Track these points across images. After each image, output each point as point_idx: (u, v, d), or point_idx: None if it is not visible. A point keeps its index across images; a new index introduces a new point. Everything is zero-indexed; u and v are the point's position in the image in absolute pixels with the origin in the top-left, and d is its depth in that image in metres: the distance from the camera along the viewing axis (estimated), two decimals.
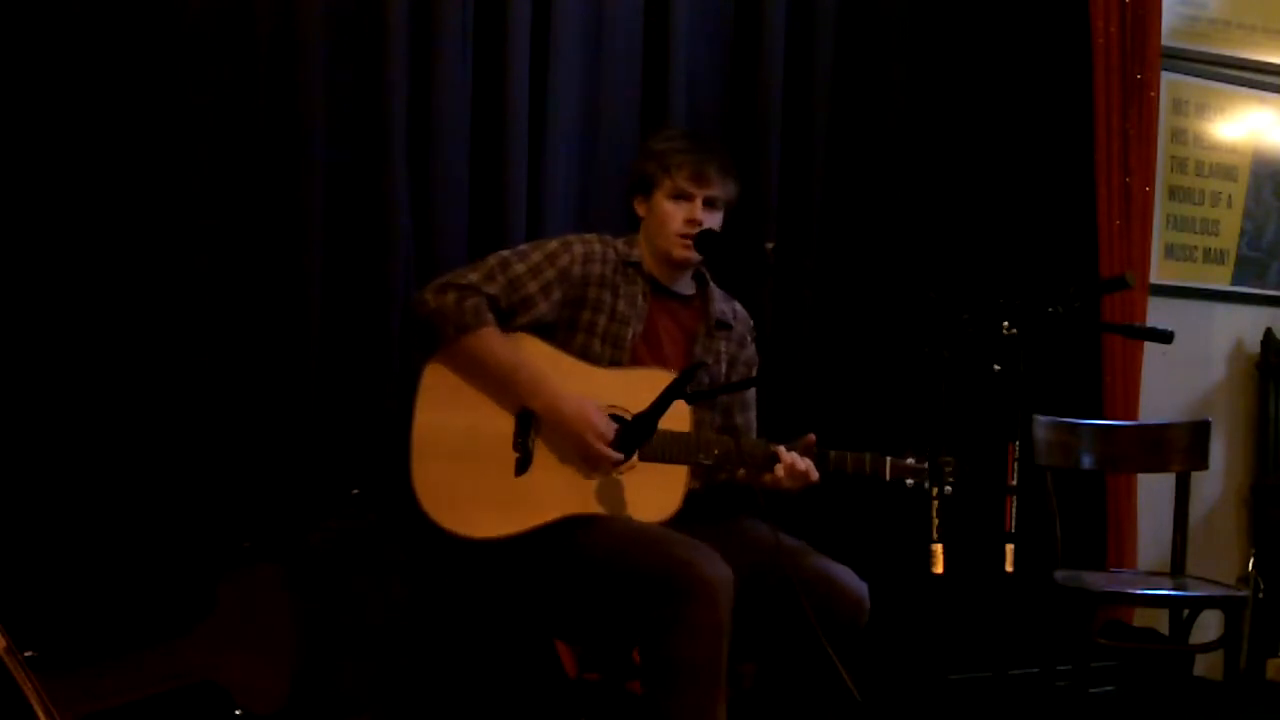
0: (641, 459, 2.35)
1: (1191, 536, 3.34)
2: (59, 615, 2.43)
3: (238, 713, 2.34)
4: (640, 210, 2.56)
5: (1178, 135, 4.12)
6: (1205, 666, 3.74)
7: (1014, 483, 1.98)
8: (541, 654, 2.69)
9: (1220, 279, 4.22)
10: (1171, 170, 4.11)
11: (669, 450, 2.36)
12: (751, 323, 2.72)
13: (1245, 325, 4.22)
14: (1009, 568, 1.96)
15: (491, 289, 2.37)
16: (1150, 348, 3.75)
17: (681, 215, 2.48)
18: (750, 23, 3.33)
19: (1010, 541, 1.98)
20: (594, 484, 2.35)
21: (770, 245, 2.65)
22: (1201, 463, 3.33)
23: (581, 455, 2.32)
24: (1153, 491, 3.67)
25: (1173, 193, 4.12)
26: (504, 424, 2.34)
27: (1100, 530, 3.69)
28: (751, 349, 2.69)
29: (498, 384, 2.34)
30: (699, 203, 2.48)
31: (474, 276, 2.38)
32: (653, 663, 2.16)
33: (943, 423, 2.13)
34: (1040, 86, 3.70)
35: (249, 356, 2.71)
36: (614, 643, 2.43)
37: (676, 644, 2.10)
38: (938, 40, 3.58)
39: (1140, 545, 3.73)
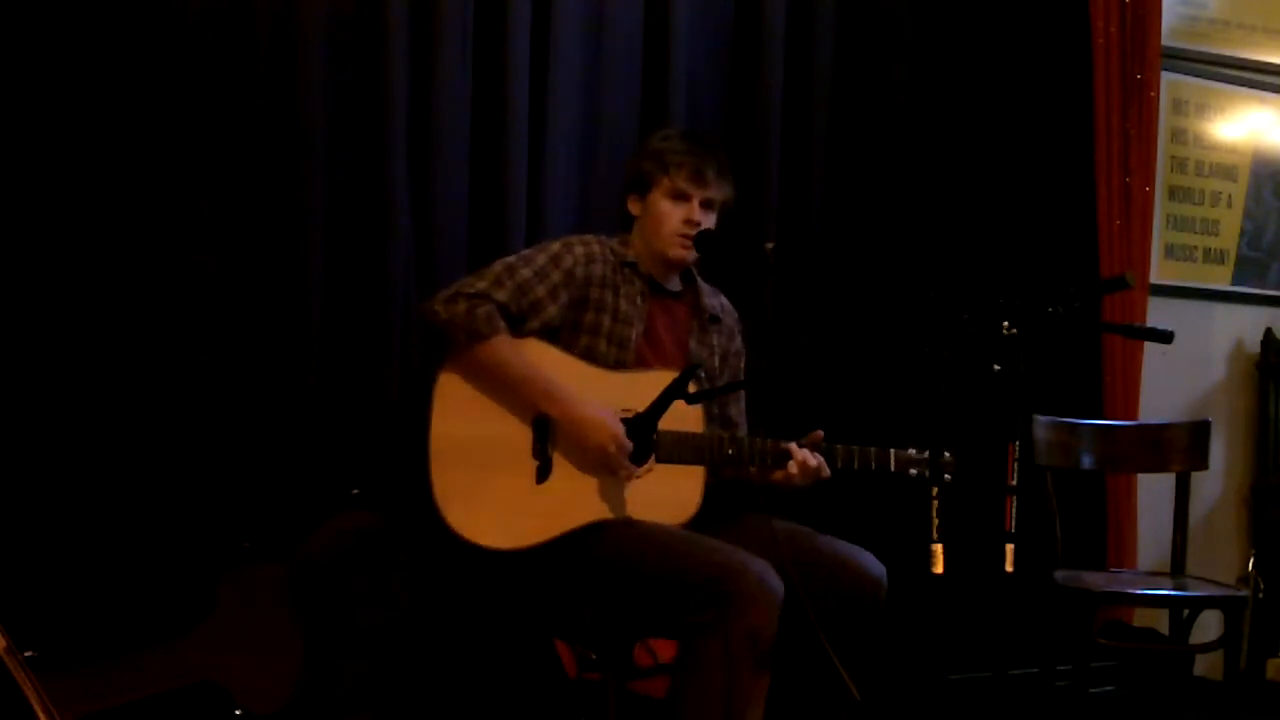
0: (658, 461, 2.36)
1: (1191, 536, 3.34)
2: (59, 615, 2.43)
3: (238, 713, 2.34)
4: (634, 209, 2.56)
5: (1178, 135, 4.12)
6: (1205, 666, 3.74)
7: (1014, 483, 1.98)
8: (541, 654, 2.69)
9: (1220, 279, 4.22)
10: (1171, 170, 4.11)
11: (685, 451, 2.37)
12: (737, 314, 2.72)
13: (1245, 325, 4.22)
14: (1009, 568, 1.96)
15: (501, 295, 2.36)
16: (1150, 348, 3.75)
17: (679, 215, 2.48)
18: (750, 23, 3.33)
19: (1010, 541, 1.98)
20: (615, 488, 2.35)
21: (770, 245, 2.65)
22: (1201, 463, 3.33)
23: (599, 462, 2.32)
24: (1153, 491, 3.67)
25: (1173, 193, 4.12)
26: (521, 432, 2.33)
27: (1100, 530, 3.70)
28: (739, 341, 2.69)
29: (513, 392, 2.33)
30: (696, 203, 2.48)
31: (482, 284, 2.37)
32: (695, 662, 2.15)
33: (943, 422, 2.13)
34: (1040, 86, 3.70)
35: (249, 356, 2.71)
36: (624, 642, 2.43)
37: (724, 645, 2.10)
38: (938, 40, 3.59)
39: (1140, 545, 3.73)
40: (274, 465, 2.70)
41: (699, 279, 2.64)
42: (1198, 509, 3.74)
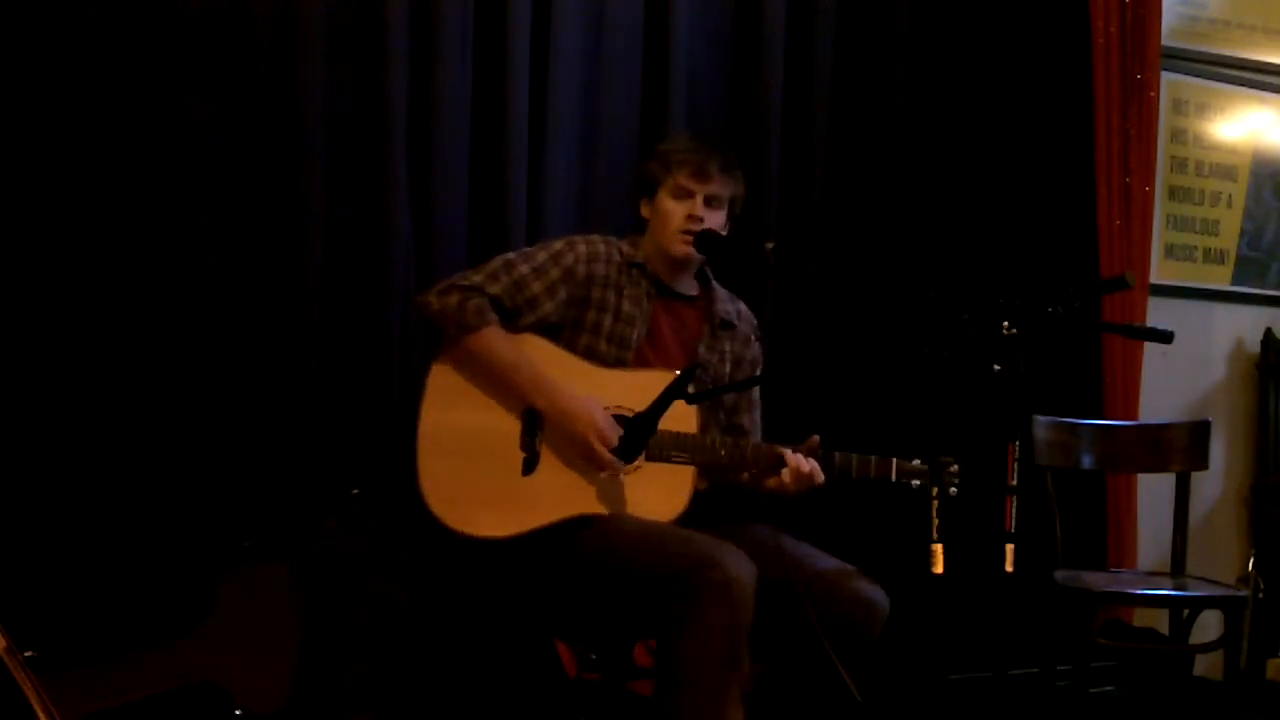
0: (648, 459, 2.36)
1: (1191, 536, 3.34)
2: (59, 615, 2.43)
3: (238, 713, 2.34)
4: (645, 212, 2.57)
5: (1178, 135, 4.12)
6: (1205, 666, 3.74)
7: (1014, 483, 1.98)
8: (541, 654, 2.69)
9: (1220, 279, 4.22)
10: (1171, 170, 4.11)
11: (675, 451, 2.37)
12: (756, 322, 2.72)
13: (1245, 325, 4.22)
14: (1009, 568, 1.96)
15: (495, 289, 2.38)
16: (1150, 348, 3.75)
17: (682, 212, 2.48)
18: (750, 23, 3.33)
19: (1010, 541, 1.97)
20: (601, 484, 2.36)
21: (770, 245, 2.65)
22: (1201, 463, 3.33)
23: (584, 456, 2.32)
24: (1153, 491, 3.66)
25: (1173, 193, 4.12)
26: (510, 424, 2.35)
27: (1100, 530, 3.69)
28: (756, 349, 2.69)
29: (501, 383, 2.34)
30: (700, 200, 2.48)
31: (478, 278, 2.40)
32: (669, 660, 2.14)
33: (943, 423, 2.13)
34: (1040, 87, 3.70)
35: (249, 356, 2.71)
36: (621, 641, 2.43)
37: (695, 641, 2.09)
38: (938, 40, 3.58)
39: (1140, 545, 3.73)
40: (274, 465, 2.70)
41: (716, 284, 2.64)
42: (1198, 509, 3.74)
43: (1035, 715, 3.28)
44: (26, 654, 1.82)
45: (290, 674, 2.41)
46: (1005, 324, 1.98)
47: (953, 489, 2.40)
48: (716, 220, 2.49)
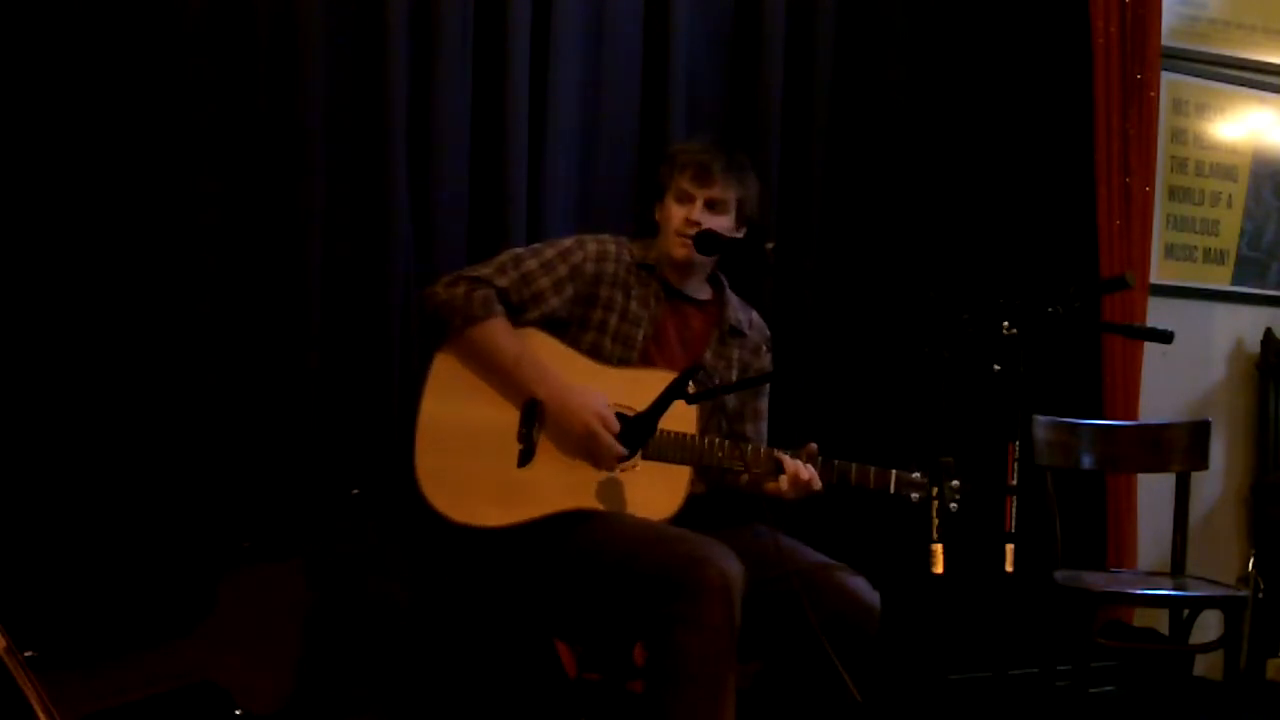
0: (644, 458, 2.36)
1: (1191, 536, 3.34)
2: (59, 615, 2.43)
3: (238, 713, 2.34)
4: (657, 215, 2.58)
5: (1178, 135, 4.12)
6: (1205, 666, 3.74)
7: (1014, 483, 1.98)
8: (541, 654, 2.69)
9: (1220, 279, 4.22)
10: (1171, 170, 4.11)
11: (672, 451, 2.37)
12: (768, 333, 2.71)
13: (1245, 325, 4.22)
14: (1009, 568, 1.96)
15: (502, 282, 2.38)
16: (1150, 348, 3.75)
17: (682, 215, 2.49)
18: (750, 23, 3.33)
19: (1010, 541, 1.97)
20: (596, 480, 2.36)
21: (770, 245, 2.65)
22: (1201, 463, 3.33)
23: (585, 447, 2.33)
24: (1153, 491, 3.66)
25: (1173, 193, 4.12)
26: (509, 415, 2.35)
27: (1100, 530, 3.69)
28: (766, 360, 2.68)
29: (503, 374, 2.35)
30: (700, 203, 2.48)
31: (485, 270, 2.41)
32: (659, 659, 2.15)
33: (943, 423, 2.13)
34: (1040, 87, 3.70)
35: (249, 356, 2.71)
36: (615, 640, 2.43)
37: (685, 641, 2.09)
38: (937, 41, 3.58)
39: (1140, 545, 3.73)
40: (274, 465, 2.70)
41: (729, 291, 2.64)
42: (1198, 509, 3.74)
43: (1035, 715, 3.28)
44: (26, 654, 1.82)
45: (291, 674, 2.41)
46: (1005, 324, 1.98)
47: (953, 504, 2.38)
48: (719, 224, 2.48)
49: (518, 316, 2.40)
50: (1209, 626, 3.47)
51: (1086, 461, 3.38)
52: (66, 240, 2.56)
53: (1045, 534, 3.20)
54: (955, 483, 2.36)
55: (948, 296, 2.17)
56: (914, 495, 2.41)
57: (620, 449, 2.32)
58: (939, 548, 1.92)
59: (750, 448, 2.41)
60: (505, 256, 2.45)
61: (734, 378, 2.59)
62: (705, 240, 2.44)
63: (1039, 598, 3.04)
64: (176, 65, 2.64)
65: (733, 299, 2.65)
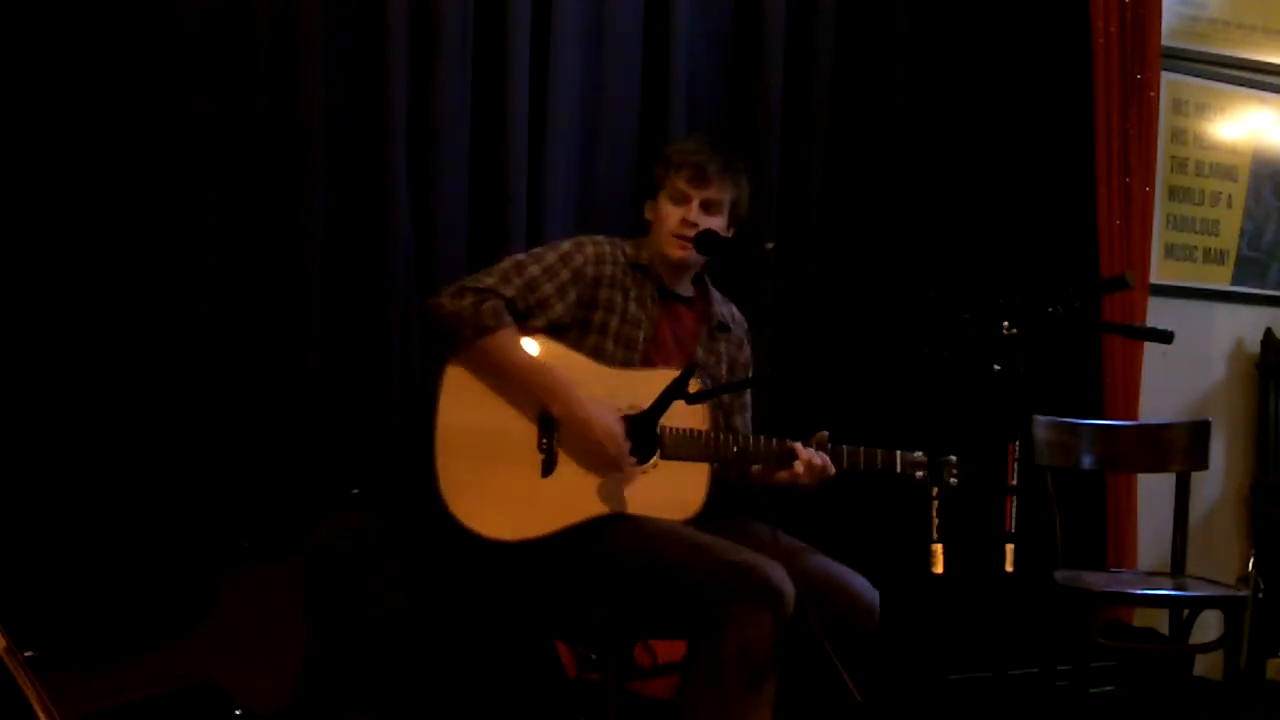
0: (663, 458, 2.36)
1: (1191, 536, 3.34)
2: (59, 615, 2.43)
3: (238, 713, 2.34)
4: (649, 214, 2.57)
5: (1178, 135, 4.12)
6: (1205, 666, 3.74)
7: (1014, 483, 1.98)
8: (541, 654, 2.69)
9: (1220, 279, 4.22)
10: (1171, 170, 4.11)
11: (690, 449, 2.38)
12: (747, 326, 2.72)
13: (1245, 325, 4.22)
14: (1009, 568, 1.96)
15: (508, 291, 2.37)
16: (1150, 348, 3.75)
17: (678, 216, 2.49)
18: (750, 23, 3.33)
19: (1010, 541, 1.97)
20: (620, 484, 2.36)
21: (770, 245, 2.65)
22: (1201, 463, 3.33)
23: (601, 456, 2.33)
24: (1153, 491, 3.66)
25: (1173, 193, 4.12)
26: (526, 425, 2.34)
27: (1100, 530, 3.70)
28: (748, 352, 2.70)
29: (518, 386, 2.34)
30: (696, 204, 2.48)
31: (490, 280, 2.38)
32: (704, 660, 2.16)
33: (943, 423, 2.13)
34: (1040, 86, 3.70)
35: (249, 356, 2.71)
36: (622, 641, 2.43)
37: (738, 641, 2.11)
38: (938, 40, 3.58)
39: (1140, 545, 3.73)
40: (274, 465, 2.70)
41: (711, 287, 2.65)
42: (1198, 509, 3.75)
43: (1035, 715, 3.28)
44: (26, 654, 1.82)
45: (291, 674, 2.41)
46: (1005, 324, 1.98)
47: (953, 479, 2.42)
48: (714, 224, 2.49)
49: (523, 324, 2.39)
50: (1209, 626, 3.47)
51: (1086, 461, 3.38)
52: (66, 241, 2.56)
53: (1045, 534, 3.19)
54: (952, 458, 2.40)
55: (948, 296, 2.16)
56: (918, 474, 2.45)
57: (633, 462, 2.33)
58: (939, 548, 1.92)
59: (763, 439, 2.42)
60: (507, 264, 2.43)
61: (724, 373, 2.60)
62: (706, 241, 2.44)
63: (1039, 598, 3.04)
64: (176, 65, 2.64)
65: (715, 295, 2.65)
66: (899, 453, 2.47)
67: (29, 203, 2.54)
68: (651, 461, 2.37)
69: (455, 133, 2.91)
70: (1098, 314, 3.59)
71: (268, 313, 2.73)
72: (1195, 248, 4.17)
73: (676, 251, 2.49)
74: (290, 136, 2.73)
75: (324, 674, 2.44)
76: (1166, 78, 3.94)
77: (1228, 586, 3.22)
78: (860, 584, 2.33)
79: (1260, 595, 3.71)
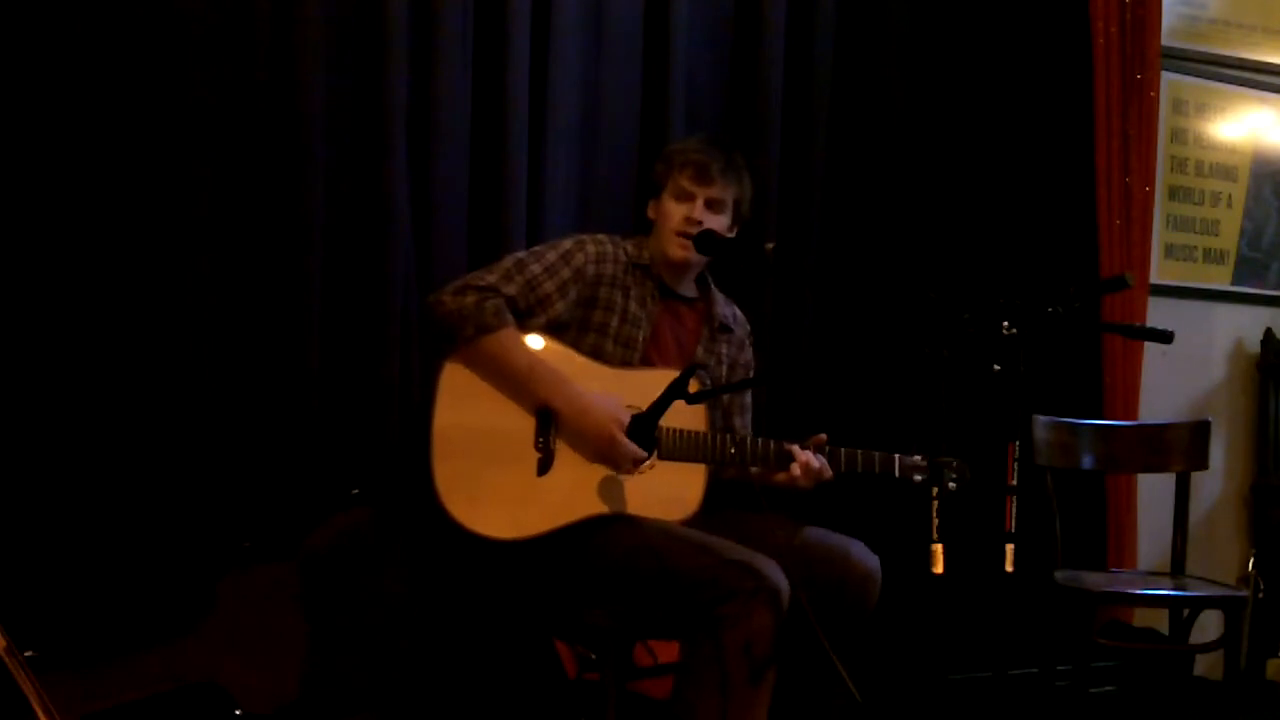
0: (661, 458, 2.36)
1: (1191, 536, 3.34)
2: (59, 615, 2.43)
3: (238, 713, 2.34)
4: (651, 213, 2.58)
5: (1178, 135, 4.12)
6: (1205, 666, 3.74)
7: (1014, 483, 1.98)
8: (541, 654, 2.69)
9: (1220, 279, 4.22)
10: (1171, 170, 4.11)
11: (688, 449, 2.38)
12: (749, 327, 2.73)
13: (1245, 325, 4.23)
14: (1009, 568, 1.96)
15: (510, 289, 2.38)
16: (1150, 348, 3.75)
17: (681, 214, 2.49)
18: (750, 23, 3.33)
19: (1010, 541, 1.97)
20: (616, 483, 2.36)
21: (770, 245, 2.65)
22: (1201, 463, 3.33)
23: (604, 453, 2.33)
24: (1153, 491, 3.67)
25: (1173, 193, 4.12)
26: (524, 424, 2.34)
27: (1100, 530, 3.69)
28: (749, 352, 2.70)
29: (517, 384, 2.34)
30: (700, 202, 2.48)
31: (492, 278, 2.39)
32: (699, 659, 2.16)
33: (943, 423, 2.13)
34: (1040, 87, 3.70)
35: (249, 357, 2.71)
36: (622, 641, 2.43)
37: (733, 641, 2.12)
38: (938, 41, 3.59)
39: (1140, 545, 3.73)
40: (274, 465, 2.70)
41: (713, 287, 2.65)
42: (1198, 509, 3.75)
43: (1035, 715, 3.28)
44: (26, 654, 1.82)
45: (291, 674, 2.41)
46: (1005, 324, 1.98)
47: (951, 483, 2.42)
48: (718, 223, 2.49)
49: (524, 322, 2.39)
50: (1209, 626, 3.47)
51: (1086, 461, 3.38)
52: (65, 240, 2.56)
53: (1045, 534, 3.19)
54: (954, 462, 2.40)
55: (948, 296, 2.16)
56: (917, 478, 2.44)
57: (640, 453, 2.33)
58: (939, 548, 1.92)
59: (761, 441, 2.42)
60: (508, 262, 2.43)
61: (724, 373, 2.60)
62: (705, 240, 2.44)
63: (1039, 598, 3.04)
64: (176, 65, 2.64)
65: (717, 295, 2.65)
66: (898, 456, 2.46)
67: (27, 203, 2.53)
68: (649, 461, 2.37)
69: (455, 132, 2.91)
70: (1098, 314, 3.59)
71: (268, 313, 2.73)
72: (1195, 248, 4.17)
73: (679, 251, 2.49)
74: (290, 136, 2.73)
75: (324, 674, 2.44)
76: (1166, 78, 3.94)
77: (1228, 586, 3.22)
78: (859, 550, 2.35)
79: (1260, 595, 3.71)
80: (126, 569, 2.54)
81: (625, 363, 2.45)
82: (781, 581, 2.16)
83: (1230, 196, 4.22)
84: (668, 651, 2.65)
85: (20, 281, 2.53)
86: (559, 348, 2.41)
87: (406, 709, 2.55)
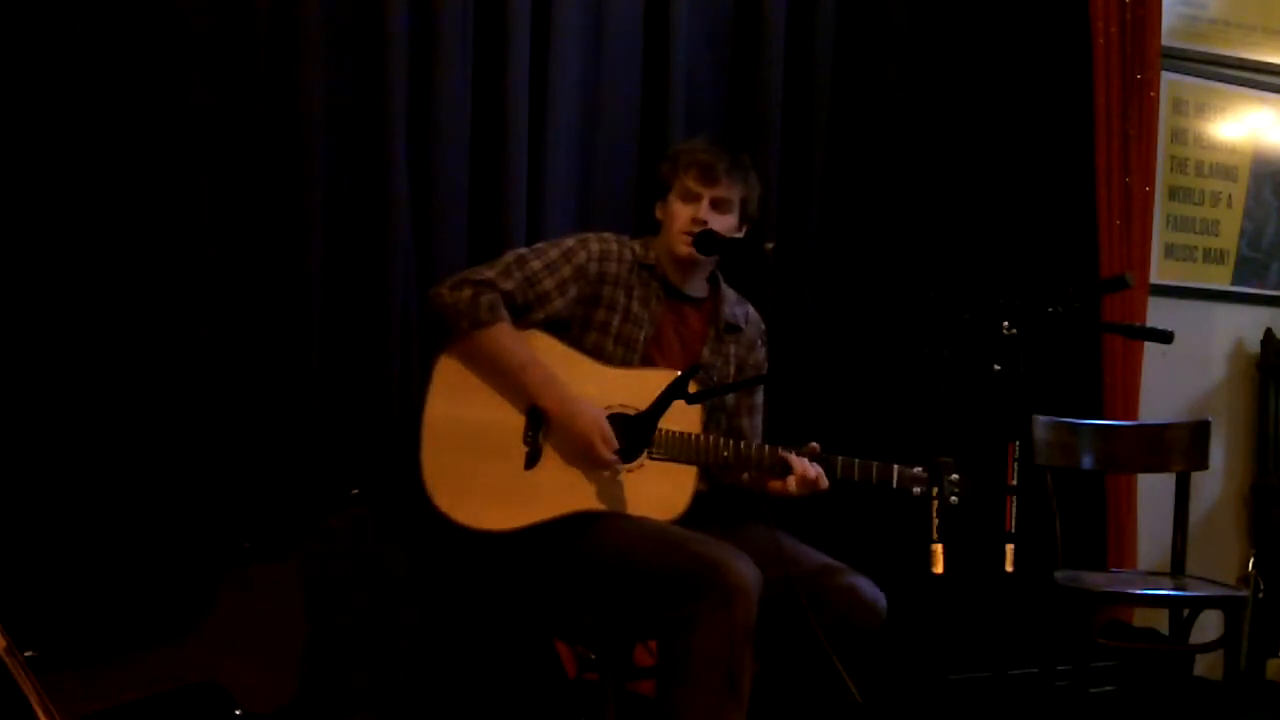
0: (651, 459, 2.36)
1: (1191, 536, 3.34)
2: (59, 615, 2.43)
3: (238, 713, 2.34)
4: (658, 214, 2.58)
5: (1178, 135, 4.12)
6: (1205, 666, 3.74)
7: (1014, 483, 1.98)
8: (541, 654, 2.69)
9: (1220, 279, 4.22)
10: (1171, 170, 4.11)
11: (678, 450, 2.37)
12: (763, 327, 2.72)
13: (1245, 325, 4.22)
14: (1009, 568, 1.96)
15: (507, 285, 2.39)
16: (1150, 348, 3.75)
17: (687, 214, 2.49)
18: (750, 23, 3.33)
19: (1010, 541, 1.98)
20: (603, 481, 2.36)
21: (770, 245, 2.65)
22: (1201, 463, 3.33)
23: (585, 454, 2.33)
24: (1153, 491, 3.66)
25: (1173, 193, 4.12)
26: (514, 418, 2.35)
27: (1100, 530, 3.69)
28: (761, 353, 2.69)
29: (509, 379, 2.35)
30: (705, 202, 2.48)
31: (490, 273, 2.40)
32: (675, 659, 2.15)
33: (943, 423, 2.13)
34: (1040, 87, 3.70)
35: (249, 356, 2.71)
36: (621, 641, 2.43)
37: (704, 640, 2.10)
38: (938, 40, 3.58)
39: (1140, 545, 3.73)
40: (274, 465, 2.70)
41: (725, 287, 2.64)
42: (1198, 509, 3.74)
43: (1035, 715, 3.28)
44: (26, 654, 1.82)
45: (291, 674, 2.41)
46: (1005, 324, 1.98)
47: (953, 498, 2.40)
48: (724, 223, 2.49)
49: (522, 318, 2.40)
50: (1209, 626, 3.47)
51: (1086, 461, 3.38)
52: (66, 239, 2.56)
53: (1045, 534, 3.19)
54: (955, 476, 2.37)
55: (948, 296, 2.17)
56: (915, 490, 2.43)
57: (619, 462, 2.33)
58: (939, 548, 1.92)
59: (755, 446, 2.42)
60: (509, 258, 2.44)
61: (731, 374, 2.59)
62: (705, 240, 2.44)
63: (1039, 598, 3.04)
64: (176, 64, 2.64)
65: (729, 295, 2.65)
66: (896, 467, 2.44)
67: (28, 202, 2.53)
68: (638, 461, 2.37)
69: (455, 132, 2.91)
70: (1098, 314, 3.59)
71: (268, 312, 2.73)
72: (1195, 248, 4.17)
73: (682, 248, 2.49)
74: (290, 136, 2.73)
75: (324, 674, 2.44)
76: (1166, 78, 3.94)
77: (1228, 586, 3.22)
78: (864, 585, 2.33)
79: (1260, 595, 3.71)
80: (126, 569, 2.54)
81: (625, 362, 2.45)
82: (745, 579, 2.13)
83: (1230, 196, 4.22)
84: None
85: (20, 281, 2.53)
86: (557, 346, 2.42)
87: (406, 709, 2.55)
